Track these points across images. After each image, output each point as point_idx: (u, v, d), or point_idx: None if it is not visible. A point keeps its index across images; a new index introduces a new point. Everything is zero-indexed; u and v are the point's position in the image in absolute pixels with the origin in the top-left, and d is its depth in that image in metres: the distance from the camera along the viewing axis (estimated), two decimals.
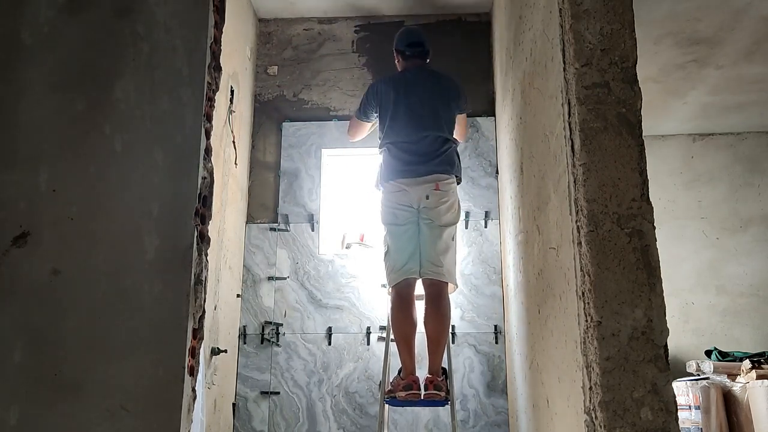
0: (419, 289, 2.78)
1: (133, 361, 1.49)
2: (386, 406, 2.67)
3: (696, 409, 3.53)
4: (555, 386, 1.96)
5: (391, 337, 2.81)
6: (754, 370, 3.42)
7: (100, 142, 1.62)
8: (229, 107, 3.30)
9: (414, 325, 2.67)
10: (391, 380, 2.72)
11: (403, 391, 2.53)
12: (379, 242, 3.27)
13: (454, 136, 2.91)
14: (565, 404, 1.80)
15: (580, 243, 1.57)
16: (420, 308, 2.74)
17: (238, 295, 3.47)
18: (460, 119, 3.00)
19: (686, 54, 3.57)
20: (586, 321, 1.52)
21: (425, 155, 2.79)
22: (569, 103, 1.65)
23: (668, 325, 1.48)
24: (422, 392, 2.56)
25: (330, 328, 3.48)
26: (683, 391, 3.63)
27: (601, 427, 1.44)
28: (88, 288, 1.54)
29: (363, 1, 3.80)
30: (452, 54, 3.84)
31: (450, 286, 2.76)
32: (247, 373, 3.43)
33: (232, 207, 3.40)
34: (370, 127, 3.11)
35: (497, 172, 3.61)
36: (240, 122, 3.52)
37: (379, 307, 3.48)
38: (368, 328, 3.47)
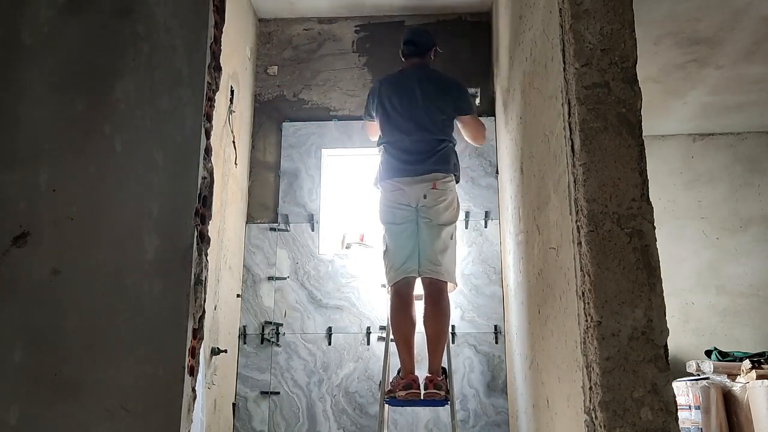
0: (419, 288, 2.77)
1: (133, 361, 1.49)
2: (386, 406, 2.67)
3: (696, 409, 3.53)
4: (555, 386, 1.96)
5: (391, 336, 2.81)
6: (754, 370, 3.42)
7: (100, 142, 1.62)
8: (229, 107, 3.30)
9: (413, 325, 2.67)
10: (390, 380, 2.72)
11: (402, 391, 2.53)
12: (378, 242, 3.27)
13: (454, 137, 2.90)
14: (565, 404, 1.80)
15: (580, 243, 1.57)
16: (419, 308, 2.74)
17: (238, 295, 3.47)
18: (466, 120, 2.96)
19: (686, 54, 3.57)
20: (586, 321, 1.52)
21: (421, 154, 2.80)
22: (569, 103, 1.65)
23: (668, 325, 1.48)
24: (422, 392, 2.56)
25: (330, 328, 3.48)
26: (683, 391, 3.62)
27: (601, 427, 1.44)
28: (88, 288, 1.54)
29: (363, 1, 3.80)
30: (452, 54, 3.84)
31: (449, 285, 2.76)
32: (247, 373, 3.43)
33: (232, 207, 3.40)
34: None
35: (497, 172, 3.61)
36: (240, 122, 3.52)
37: (379, 307, 3.48)
38: (368, 328, 3.47)
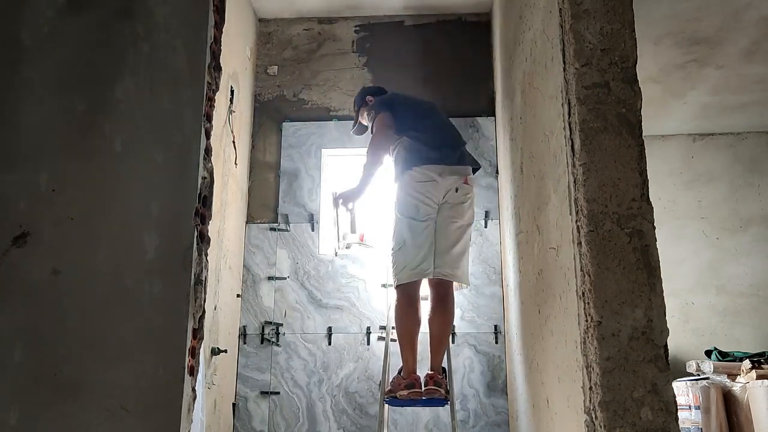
0: (423, 289, 2.75)
1: (133, 361, 1.49)
2: (386, 405, 2.67)
3: (696, 409, 3.53)
4: (555, 386, 1.96)
5: (392, 336, 2.80)
6: (754, 370, 3.42)
7: (100, 142, 1.62)
8: (229, 107, 3.30)
9: (419, 324, 2.65)
10: (390, 380, 2.71)
11: (405, 390, 2.53)
12: (378, 241, 3.26)
13: None
14: (565, 404, 1.80)
15: (580, 243, 1.57)
16: (423, 307, 2.72)
17: (238, 295, 3.47)
18: None
19: (686, 54, 3.57)
20: (586, 321, 1.52)
21: (452, 141, 2.75)
22: (569, 103, 1.65)
23: (668, 325, 1.48)
24: (423, 389, 2.56)
25: (330, 328, 3.48)
26: (683, 391, 3.63)
27: (601, 427, 1.44)
28: (88, 288, 1.54)
29: (363, 1, 3.80)
30: (452, 54, 3.85)
31: (455, 283, 2.74)
32: (247, 373, 3.43)
33: (232, 207, 3.40)
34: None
35: (497, 172, 3.61)
36: (240, 122, 3.52)
37: (379, 307, 3.48)
38: (368, 328, 3.47)
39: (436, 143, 2.69)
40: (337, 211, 2.86)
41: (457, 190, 2.64)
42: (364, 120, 3.05)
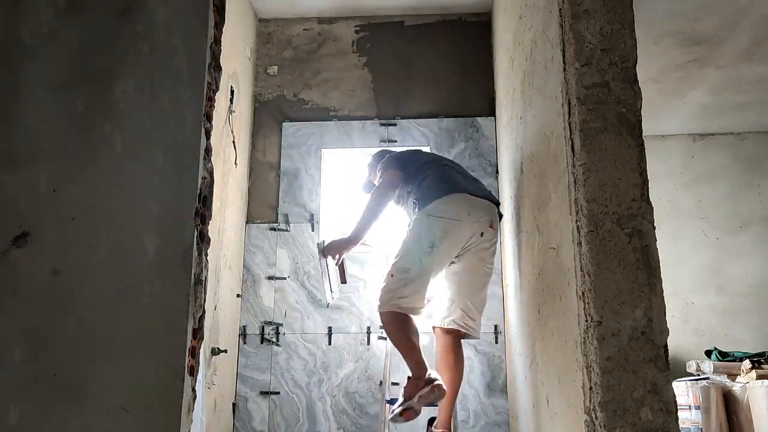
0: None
1: (133, 361, 1.49)
2: (387, 405, 2.66)
3: (696, 409, 3.53)
4: (555, 386, 1.96)
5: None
6: (754, 370, 3.42)
7: (100, 142, 1.62)
8: (229, 107, 3.30)
9: (418, 333, 2.41)
10: (403, 388, 2.40)
11: (427, 386, 2.31)
12: (380, 241, 3.26)
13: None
14: (565, 404, 1.80)
15: (580, 243, 1.57)
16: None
17: (238, 295, 3.47)
18: None
19: (686, 54, 3.57)
20: (586, 321, 1.52)
21: (480, 184, 2.60)
22: (569, 103, 1.65)
23: (668, 325, 1.48)
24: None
25: (330, 328, 3.48)
26: (683, 391, 3.62)
27: (601, 427, 1.44)
28: (88, 288, 1.54)
29: (363, 1, 3.80)
30: (452, 54, 3.85)
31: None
32: (247, 373, 3.43)
33: (232, 207, 3.40)
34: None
35: (497, 172, 3.61)
36: (240, 122, 3.52)
37: None
38: (368, 328, 3.47)
39: (463, 172, 2.58)
40: (326, 262, 2.61)
41: (482, 234, 2.40)
42: (377, 179, 2.79)
